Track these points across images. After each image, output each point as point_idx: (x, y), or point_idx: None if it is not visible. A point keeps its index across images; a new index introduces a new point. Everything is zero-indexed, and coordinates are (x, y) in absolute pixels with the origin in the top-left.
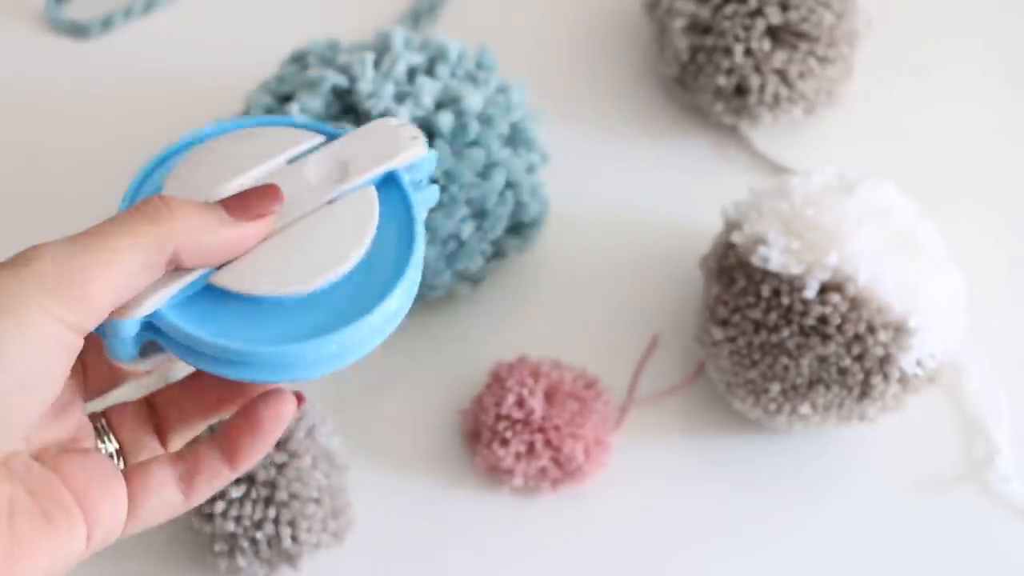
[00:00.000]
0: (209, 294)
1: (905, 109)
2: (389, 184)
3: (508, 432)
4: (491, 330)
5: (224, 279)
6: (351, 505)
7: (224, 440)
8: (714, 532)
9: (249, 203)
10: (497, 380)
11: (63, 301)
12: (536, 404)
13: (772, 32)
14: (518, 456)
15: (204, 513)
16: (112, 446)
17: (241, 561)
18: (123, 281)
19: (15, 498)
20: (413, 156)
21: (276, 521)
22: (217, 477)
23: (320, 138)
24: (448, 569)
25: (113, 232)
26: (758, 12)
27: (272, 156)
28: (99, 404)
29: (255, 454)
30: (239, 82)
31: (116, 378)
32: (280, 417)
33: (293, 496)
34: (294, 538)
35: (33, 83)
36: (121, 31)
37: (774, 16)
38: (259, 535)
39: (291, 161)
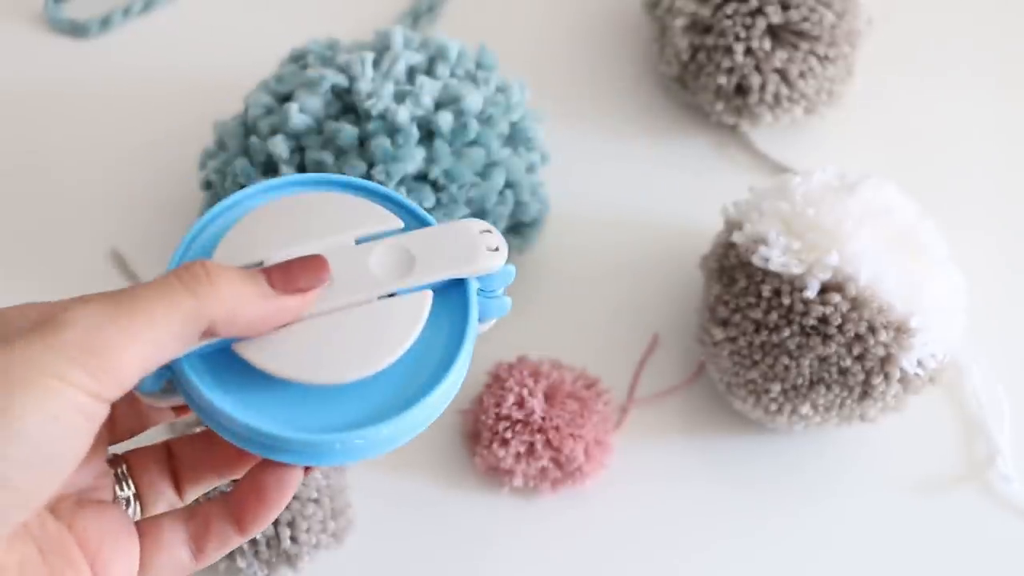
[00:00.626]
0: (232, 354)
1: (906, 109)
2: (455, 287)
3: (508, 432)
4: (491, 330)
5: (248, 351)
6: (351, 505)
7: (232, 505)
8: (714, 532)
9: (294, 275)
10: (497, 380)
11: (90, 371)
12: (536, 404)
13: (773, 31)
14: (518, 456)
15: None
16: (130, 492)
17: (240, 561)
18: (153, 352)
19: (26, 561)
20: (487, 269)
21: (275, 521)
22: (227, 541)
23: (398, 222)
24: (448, 569)
25: (148, 301)
26: (759, 11)
27: (341, 230)
28: (121, 446)
29: (262, 522)
30: (238, 81)
31: (143, 423)
32: (284, 486)
33: (293, 496)
34: (293, 538)
35: (32, 82)
36: (120, 30)
37: (775, 15)
38: (258, 535)
39: (360, 241)
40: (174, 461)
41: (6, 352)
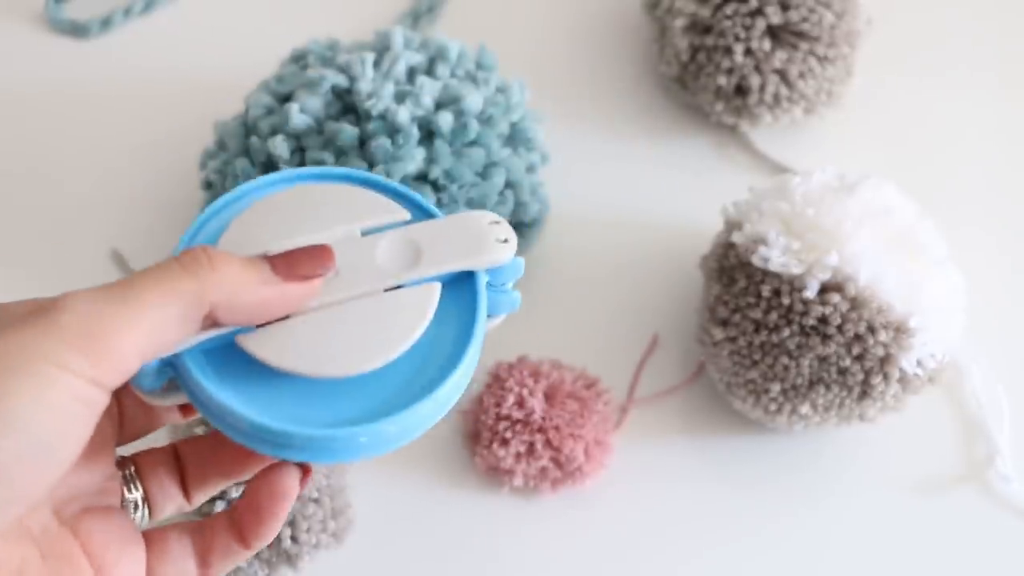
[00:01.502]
0: (235, 349)
1: (905, 109)
2: (464, 279)
3: (508, 432)
4: (492, 330)
5: (251, 343)
6: (351, 505)
7: (235, 520)
8: (714, 532)
9: (297, 262)
10: (497, 380)
11: (87, 356)
12: (536, 404)
13: (772, 32)
14: (518, 456)
15: (204, 513)
16: (138, 494)
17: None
18: (153, 336)
19: (27, 562)
20: (496, 261)
21: None
22: (232, 556)
23: (405, 214)
24: (448, 569)
25: (147, 284)
26: (758, 12)
27: (346, 221)
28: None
29: (265, 536)
30: (239, 82)
31: (152, 423)
32: (279, 500)
33: None
34: (294, 538)
35: (32, 83)
36: (120, 31)
37: (774, 16)
38: None
39: (366, 232)
40: (180, 463)
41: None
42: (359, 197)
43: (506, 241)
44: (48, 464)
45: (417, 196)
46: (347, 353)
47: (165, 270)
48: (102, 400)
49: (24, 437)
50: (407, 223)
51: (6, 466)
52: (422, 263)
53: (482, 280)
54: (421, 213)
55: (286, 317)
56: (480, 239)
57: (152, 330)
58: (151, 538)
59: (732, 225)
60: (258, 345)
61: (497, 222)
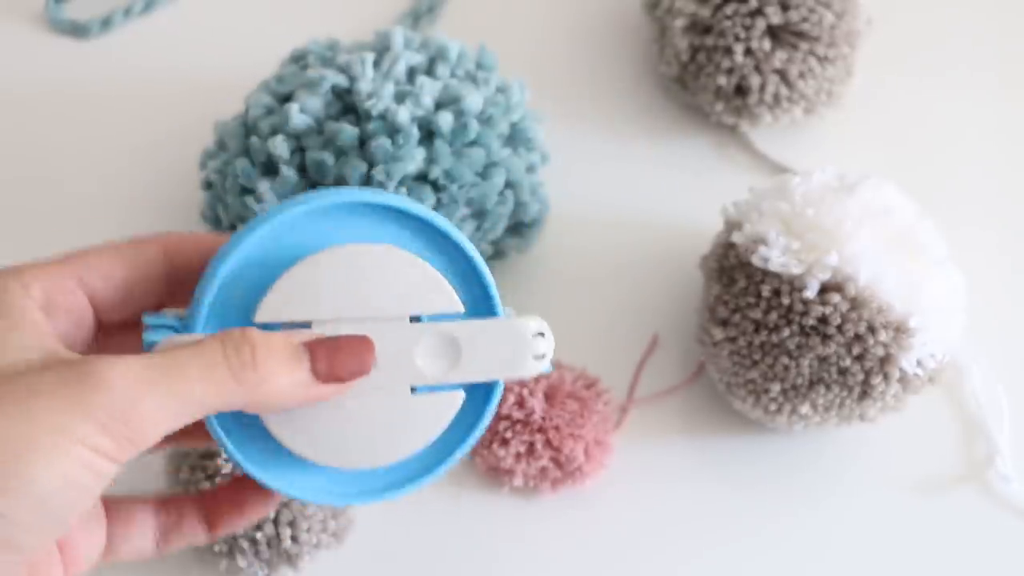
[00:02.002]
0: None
1: (905, 109)
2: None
3: (508, 432)
4: None
5: (274, 425)
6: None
7: (208, 507)
8: (714, 532)
9: (339, 363)
10: None
11: (115, 440)
12: (536, 404)
13: (772, 32)
14: (518, 456)
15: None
16: None
17: (241, 561)
18: (181, 423)
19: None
20: (529, 377)
21: (276, 521)
22: (194, 540)
23: (459, 307)
24: (448, 569)
25: (191, 377)
26: (758, 12)
27: (398, 304)
28: None
29: (234, 529)
30: (239, 82)
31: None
32: (268, 504)
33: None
34: (294, 538)
35: (32, 82)
36: (121, 31)
37: (774, 16)
38: (259, 535)
39: (413, 318)
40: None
41: (28, 405)
42: (419, 273)
43: (543, 357)
44: (53, 531)
45: (475, 256)
46: (359, 450)
47: (210, 365)
48: (115, 473)
49: (41, 512)
50: (458, 316)
51: (18, 538)
52: (458, 368)
53: (501, 388)
54: (474, 281)
55: None
56: (521, 354)
57: (183, 420)
58: (114, 511)
59: (732, 225)
60: (278, 427)
61: (542, 333)
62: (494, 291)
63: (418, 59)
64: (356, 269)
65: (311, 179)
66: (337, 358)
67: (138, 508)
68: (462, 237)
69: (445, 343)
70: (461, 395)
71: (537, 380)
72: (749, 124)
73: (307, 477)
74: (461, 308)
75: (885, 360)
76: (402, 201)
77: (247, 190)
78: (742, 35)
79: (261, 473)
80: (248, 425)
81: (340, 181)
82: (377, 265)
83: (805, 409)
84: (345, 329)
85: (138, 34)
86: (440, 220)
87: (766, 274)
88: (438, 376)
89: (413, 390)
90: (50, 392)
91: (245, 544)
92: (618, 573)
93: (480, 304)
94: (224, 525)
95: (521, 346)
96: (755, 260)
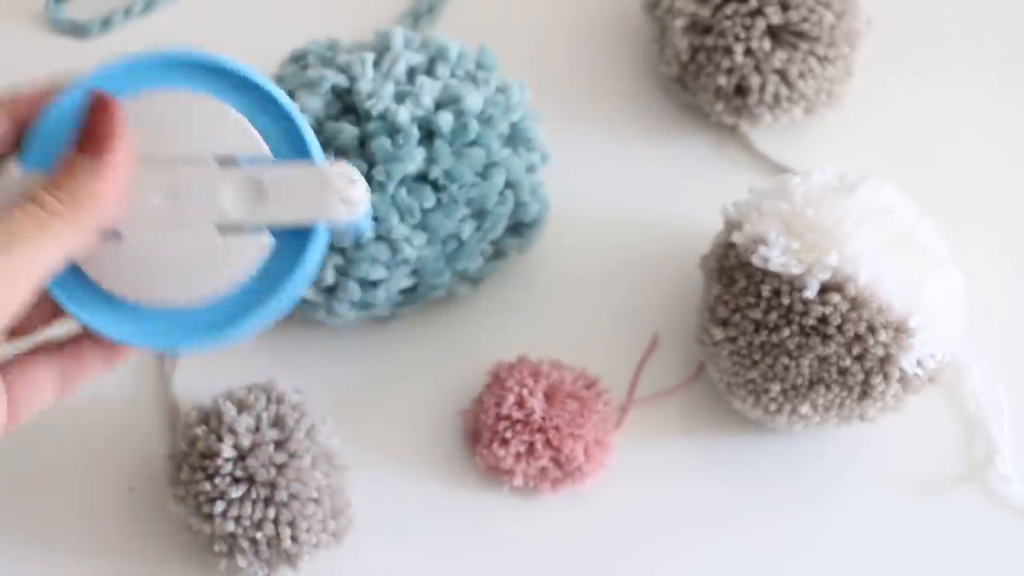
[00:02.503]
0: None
1: (905, 109)
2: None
3: (508, 432)
4: (491, 330)
5: (94, 270)
6: (351, 505)
7: (105, 343)
8: (714, 532)
9: (97, 135)
10: (497, 380)
11: None
12: (536, 404)
13: (772, 32)
14: (518, 456)
15: (204, 513)
16: None
17: (241, 561)
18: (39, 283)
19: None
20: (336, 222)
21: (276, 521)
22: (94, 376)
23: (265, 149)
24: (448, 569)
25: (28, 237)
26: (758, 12)
27: (203, 141)
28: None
29: (132, 356)
30: None
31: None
32: (105, 353)
33: (293, 496)
34: (294, 538)
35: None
36: (121, 31)
37: (774, 16)
38: (259, 535)
39: (220, 159)
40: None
41: None
42: (228, 118)
43: (354, 202)
44: None
45: (299, 118)
46: (167, 285)
47: (42, 228)
48: None
49: None
50: (266, 158)
51: None
52: (263, 209)
53: (321, 237)
54: (293, 136)
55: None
56: (327, 197)
57: (39, 281)
58: (15, 378)
59: (732, 225)
60: (99, 273)
61: (354, 180)
62: (311, 139)
63: (418, 59)
64: (162, 114)
65: None
66: (93, 133)
67: (40, 364)
68: (276, 89)
69: (250, 185)
70: (268, 237)
71: (537, 380)
72: (749, 124)
73: (129, 321)
74: (267, 152)
75: (885, 360)
76: (223, 60)
77: None
78: (742, 35)
79: (81, 312)
80: (81, 274)
81: None
82: (184, 110)
83: (805, 409)
84: (149, 169)
85: (138, 34)
86: (256, 75)
87: (766, 274)
88: (242, 216)
89: (222, 233)
90: None
91: (245, 544)
92: (618, 573)
93: (299, 156)
94: (125, 353)
95: (327, 190)
96: (755, 260)
